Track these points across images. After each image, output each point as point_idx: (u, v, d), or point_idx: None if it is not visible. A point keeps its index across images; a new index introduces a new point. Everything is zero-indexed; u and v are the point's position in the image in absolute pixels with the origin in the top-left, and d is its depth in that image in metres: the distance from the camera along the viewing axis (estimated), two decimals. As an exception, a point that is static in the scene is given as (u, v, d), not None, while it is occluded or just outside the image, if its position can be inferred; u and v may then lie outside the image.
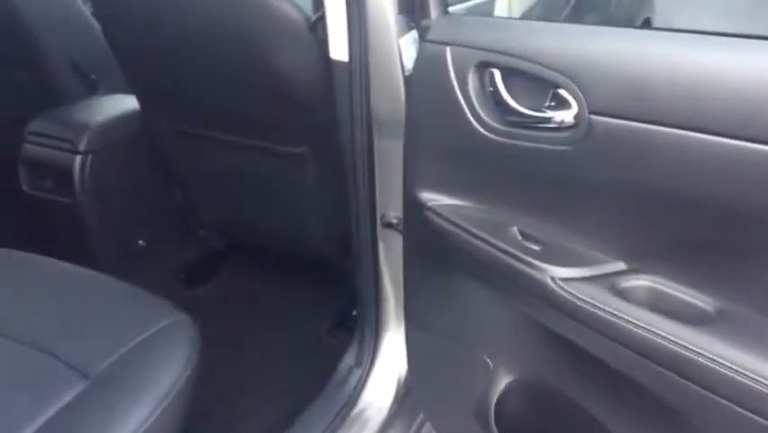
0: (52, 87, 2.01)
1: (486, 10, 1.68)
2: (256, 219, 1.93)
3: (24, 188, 1.91)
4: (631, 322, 0.97)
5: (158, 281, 2.07)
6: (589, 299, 1.02)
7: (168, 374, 1.27)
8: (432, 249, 1.26)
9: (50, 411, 1.18)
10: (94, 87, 2.06)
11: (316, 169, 1.73)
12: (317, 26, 1.44)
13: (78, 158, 1.82)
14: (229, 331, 1.93)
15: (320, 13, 1.38)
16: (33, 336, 1.31)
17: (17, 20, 1.90)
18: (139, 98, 1.85)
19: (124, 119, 1.92)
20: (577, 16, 2.13)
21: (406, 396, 1.61)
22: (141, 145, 1.92)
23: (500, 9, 1.76)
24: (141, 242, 2.01)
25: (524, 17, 1.73)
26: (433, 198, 1.21)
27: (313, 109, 1.58)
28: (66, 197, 1.85)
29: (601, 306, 1.01)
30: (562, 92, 0.99)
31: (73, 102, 1.99)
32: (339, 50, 1.36)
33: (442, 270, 1.28)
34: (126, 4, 1.60)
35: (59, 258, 2.00)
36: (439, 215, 1.19)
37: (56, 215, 1.89)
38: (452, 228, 1.18)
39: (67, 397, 1.21)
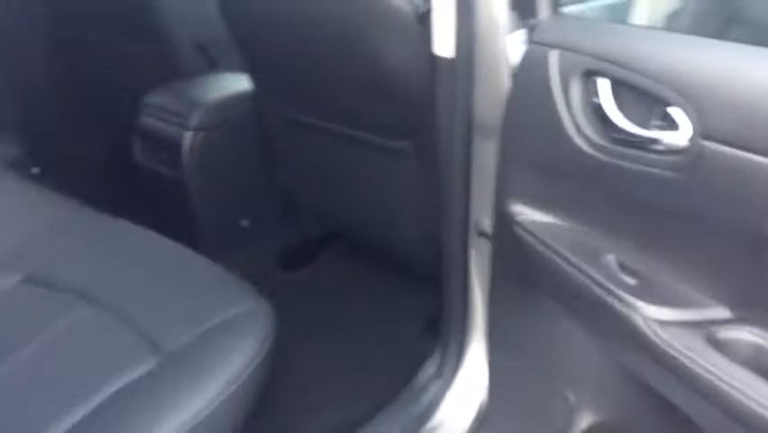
0: (172, 60, 2.05)
1: (620, 16, 1.54)
2: (353, 211, 1.90)
3: (137, 158, 1.97)
4: (728, 382, 0.85)
5: (256, 262, 2.08)
6: (682, 348, 0.90)
7: (239, 359, 1.25)
8: (518, 266, 1.17)
9: (119, 383, 1.20)
10: (214, 64, 2.08)
11: (417, 166, 1.66)
12: (426, 19, 1.37)
13: (189, 134, 1.85)
14: (316, 320, 1.91)
15: (429, 5, 1.31)
16: (119, 305, 1.33)
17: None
18: (254, 82, 1.85)
19: (238, 99, 1.93)
20: (727, 30, 1.93)
21: (487, 419, 1.53)
22: (250, 126, 1.92)
23: (639, 14, 1.62)
24: (243, 222, 2.02)
25: (665, 25, 1.59)
26: (523, 212, 1.11)
27: (417, 105, 1.51)
28: (174, 170, 1.88)
29: (696, 357, 0.89)
30: (674, 111, 0.87)
31: (191, 77, 2.03)
32: (444, 45, 1.29)
33: (528, 289, 1.19)
34: (260, 11, 1.60)
35: (165, 229, 2.07)
36: (528, 231, 1.10)
37: (163, 187, 1.93)
38: (541, 247, 1.09)
39: (138, 370, 1.22)
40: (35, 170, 2.47)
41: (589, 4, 1.43)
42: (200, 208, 1.93)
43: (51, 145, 2.43)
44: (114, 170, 2.22)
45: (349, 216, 1.93)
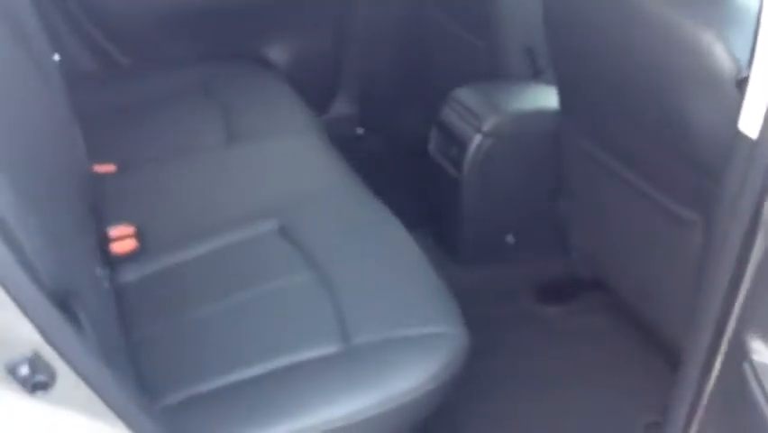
0: (497, 60, 2.03)
1: None
2: (622, 266, 1.71)
3: (430, 146, 2.00)
4: None
5: (510, 282, 2.01)
6: None
7: (414, 377, 1.23)
8: (740, 416, 0.94)
9: (298, 356, 1.24)
10: (538, 73, 2.02)
11: (702, 244, 1.44)
12: (743, 86, 1.15)
13: (478, 137, 1.82)
14: (541, 364, 1.79)
15: (749, 72, 1.09)
16: (336, 284, 1.37)
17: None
18: (560, 102, 1.75)
19: (541, 115, 1.85)
20: None
21: None
22: (544, 144, 1.83)
23: None
24: (508, 237, 1.95)
25: None
26: (761, 351, 0.89)
27: (719, 178, 1.30)
28: (456, 170, 1.88)
29: None
30: None
31: (506, 81, 1.99)
32: (749, 122, 1.07)
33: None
34: (577, 25, 1.50)
35: (432, 223, 2.09)
36: (759, 379, 0.87)
37: (443, 183, 1.94)
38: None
39: (319, 350, 1.25)
40: (360, 131, 2.65)
41: None
42: (469, 214, 1.91)
43: (376, 111, 2.59)
44: (419, 147, 2.28)
45: (617, 270, 1.75)
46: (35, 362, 0.75)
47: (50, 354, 0.76)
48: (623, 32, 1.35)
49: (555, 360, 1.86)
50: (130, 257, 1.50)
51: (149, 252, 1.51)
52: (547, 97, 1.84)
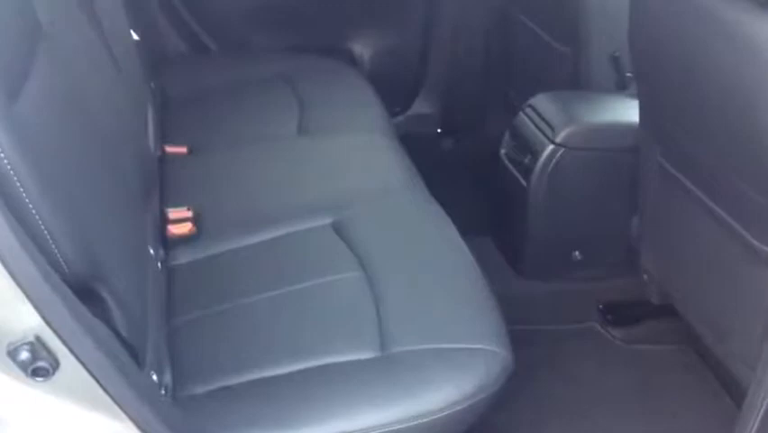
0: (581, 68, 1.94)
1: None
2: (693, 297, 1.60)
3: (502, 151, 1.94)
4: None
5: (573, 300, 1.93)
6: None
7: (450, 393, 1.19)
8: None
9: (331, 359, 1.22)
10: (623, 84, 1.92)
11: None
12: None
13: (550, 147, 1.74)
14: (599, 389, 1.72)
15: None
16: (382, 287, 1.35)
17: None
18: (641, 115, 1.65)
19: (619, 128, 1.75)
20: None
21: None
22: (620, 159, 1.74)
23: None
24: (575, 253, 1.87)
25: None
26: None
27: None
28: (525, 179, 1.81)
29: None
30: None
31: (588, 91, 1.90)
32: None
33: None
34: (659, 35, 1.42)
35: (497, 231, 2.03)
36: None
37: (511, 191, 1.87)
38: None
39: (356, 355, 1.23)
40: (438, 131, 2.62)
41: None
42: (535, 225, 1.84)
43: (457, 111, 2.54)
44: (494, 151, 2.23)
45: (687, 298, 1.65)
46: (36, 347, 0.75)
47: (52, 340, 0.76)
48: (705, 46, 1.26)
49: (614, 386, 1.78)
50: (185, 240, 1.52)
51: (204, 236, 1.53)
52: (629, 111, 1.74)
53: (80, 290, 0.91)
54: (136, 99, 1.59)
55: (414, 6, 2.41)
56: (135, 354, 1.04)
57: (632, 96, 1.84)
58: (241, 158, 1.80)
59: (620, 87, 1.94)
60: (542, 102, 1.84)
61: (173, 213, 1.57)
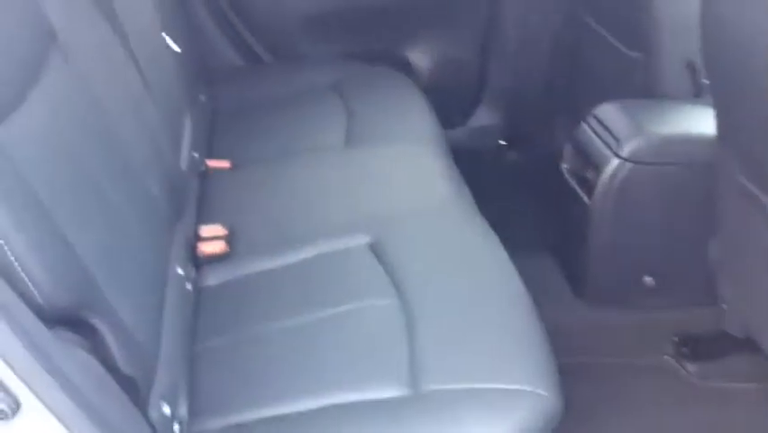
0: (654, 75, 1.77)
1: None
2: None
3: (563, 165, 1.78)
4: None
5: (644, 329, 1.76)
6: None
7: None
8: None
9: (356, 396, 1.11)
10: (700, 92, 1.74)
11: None
12: None
13: (616, 162, 1.58)
14: (670, 430, 1.54)
15: None
16: (416, 316, 1.23)
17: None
18: (718, 128, 1.48)
19: (693, 141, 1.58)
20: None
21: None
22: (697, 174, 1.57)
23: None
24: (647, 279, 1.69)
25: None
26: None
27: None
28: (588, 195, 1.65)
29: None
30: None
31: (661, 99, 1.73)
32: None
33: None
34: (733, 39, 1.26)
35: (557, 250, 1.87)
36: None
37: (573, 208, 1.72)
38: None
39: (382, 391, 1.12)
40: (502, 142, 2.48)
41: None
42: (599, 246, 1.68)
43: (521, 123, 2.40)
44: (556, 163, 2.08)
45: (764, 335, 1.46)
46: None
47: (11, 378, 0.68)
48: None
49: (688, 428, 1.60)
50: (217, 260, 1.44)
51: (236, 256, 1.44)
52: (705, 122, 1.57)
53: (63, 319, 0.84)
54: (168, 114, 1.53)
55: (475, 12, 2.29)
56: (136, 389, 0.95)
57: (709, 104, 1.67)
58: (283, 172, 1.72)
59: (696, 96, 1.77)
60: (606, 111, 1.68)
61: (205, 231, 1.49)
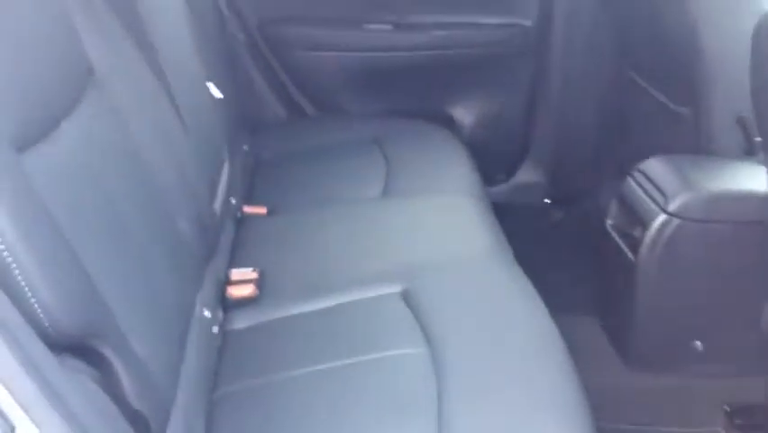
0: (703, 131, 1.71)
1: None
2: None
3: (608, 221, 1.71)
4: None
5: (693, 398, 1.65)
6: None
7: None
8: None
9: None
10: (752, 151, 1.67)
11: None
12: None
13: (662, 218, 1.51)
14: None
15: None
16: (444, 370, 1.16)
17: (696, 52, 1.65)
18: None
19: (745, 199, 1.50)
20: None
21: None
22: (745, 236, 1.49)
23: None
24: (696, 343, 1.60)
25: None
26: None
27: None
28: (633, 252, 1.58)
29: None
30: None
31: (710, 156, 1.67)
32: None
33: None
34: None
35: (605, 314, 1.78)
36: None
37: (617, 266, 1.64)
38: None
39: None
40: (546, 201, 2.43)
41: None
42: (645, 307, 1.59)
43: (566, 180, 2.35)
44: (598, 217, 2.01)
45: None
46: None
47: (6, 400, 0.65)
48: None
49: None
50: (246, 303, 1.42)
51: (265, 300, 1.41)
52: (757, 179, 1.50)
53: (72, 346, 0.81)
54: (206, 158, 1.53)
55: (520, 69, 2.27)
56: (146, 425, 0.91)
57: (761, 162, 1.60)
58: (318, 219, 1.69)
59: (748, 153, 1.70)
60: (653, 166, 1.62)
61: (236, 274, 1.47)
